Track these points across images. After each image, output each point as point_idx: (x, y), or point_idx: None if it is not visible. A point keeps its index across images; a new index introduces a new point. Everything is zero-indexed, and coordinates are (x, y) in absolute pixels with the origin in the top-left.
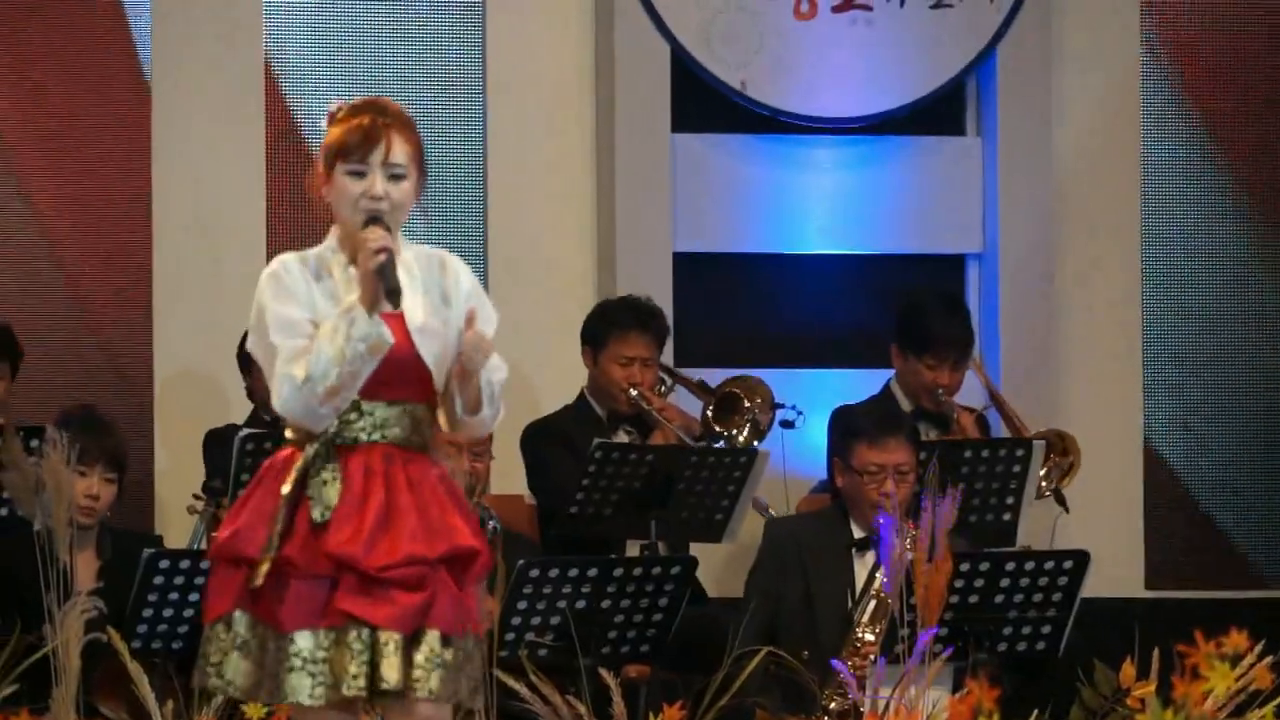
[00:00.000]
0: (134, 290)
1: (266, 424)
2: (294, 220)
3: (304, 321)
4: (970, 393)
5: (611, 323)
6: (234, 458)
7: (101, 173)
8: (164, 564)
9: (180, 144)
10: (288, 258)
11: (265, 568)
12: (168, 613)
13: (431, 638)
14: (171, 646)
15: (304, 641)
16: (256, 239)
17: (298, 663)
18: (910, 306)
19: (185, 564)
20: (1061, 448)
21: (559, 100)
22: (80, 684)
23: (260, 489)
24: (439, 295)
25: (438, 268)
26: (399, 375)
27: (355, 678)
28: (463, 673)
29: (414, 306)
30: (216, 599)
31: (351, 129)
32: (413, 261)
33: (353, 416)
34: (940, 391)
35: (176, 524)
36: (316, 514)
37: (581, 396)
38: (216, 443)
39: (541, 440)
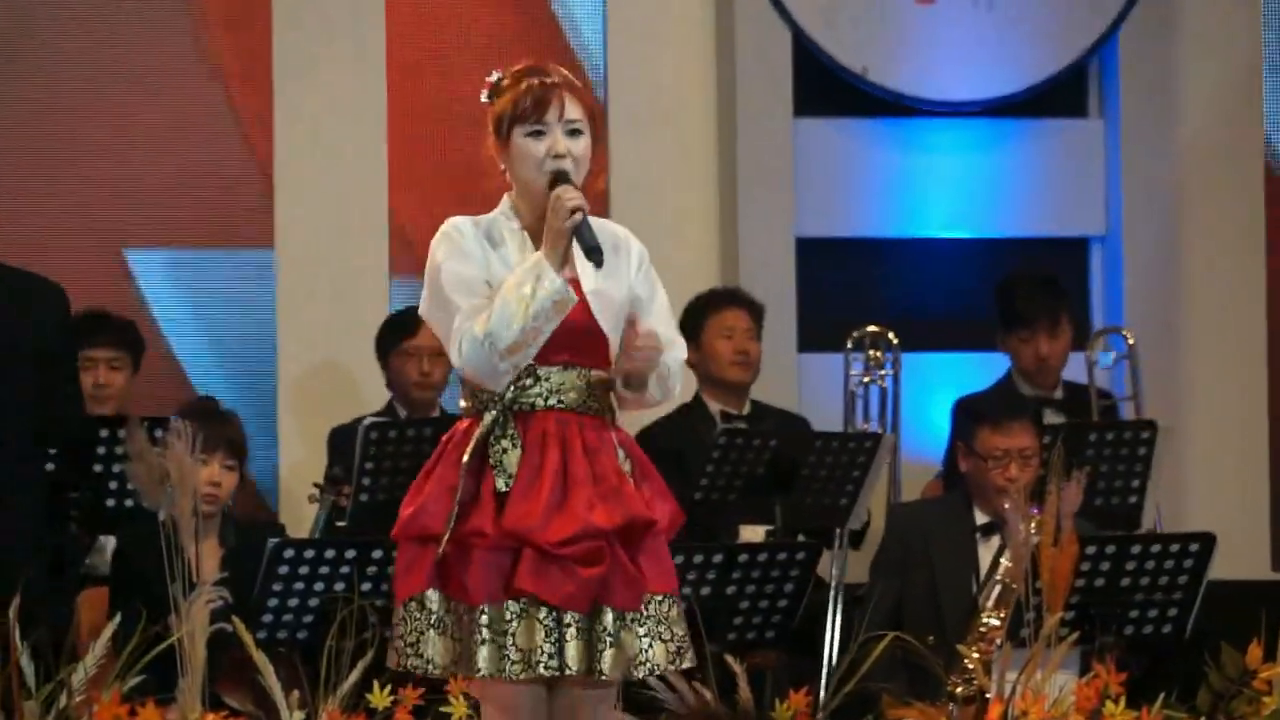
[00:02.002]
0: (258, 281)
1: (398, 416)
2: (418, 209)
3: (479, 280)
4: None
5: (704, 307)
6: (358, 446)
7: (224, 162)
8: (288, 553)
9: (304, 136)
10: (459, 220)
11: (446, 537)
12: (292, 602)
13: (607, 616)
14: (296, 636)
15: (491, 613)
16: (380, 227)
17: (487, 634)
18: (999, 289)
19: (309, 553)
20: None
21: (681, 86)
22: (206, 674)
23: (441, 463)
24: (612, 264)
25: (609, 236)
26: (574, 341)
27: (551, 658)
28: (655, 639)
29: (589, 272)
30: (407, 578)
31: (523, 92)
32: (619, 240)
33: (529, 382)
34: (1046, 360)
35: (302, 517)
36: (500, 483)
37: (697, 395)
38: (342, 439)
39: (646, 452)
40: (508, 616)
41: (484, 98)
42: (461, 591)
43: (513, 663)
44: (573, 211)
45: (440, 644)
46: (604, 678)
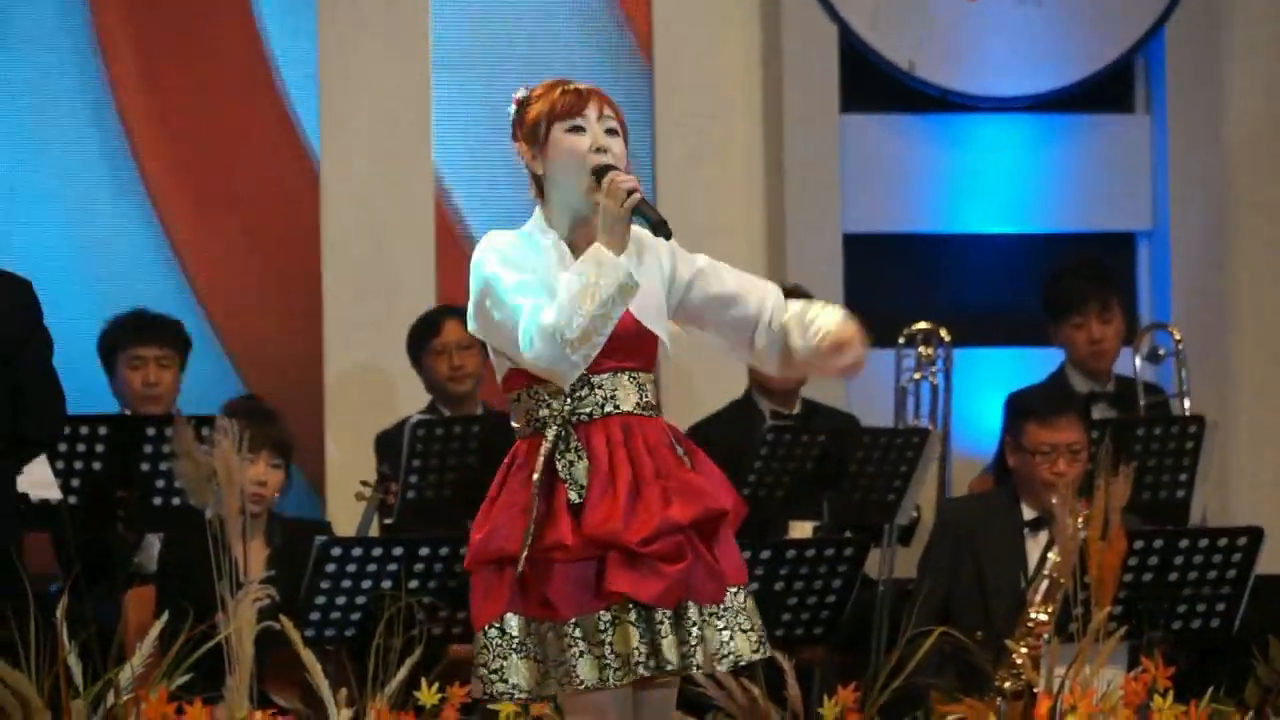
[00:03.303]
0: (304, 283)
1: (442, 415)
2: (463, 213)
3: (536, 282)
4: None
5: None
6: (405, 444)
7: (268, 164)
8: (336, 551)
9: (348, 137)
10: (499, 233)
11: (523, 555)
12: (340, 600)
13: (692, 611)
14: (344, 633)
15: (584, 625)
16: (425, 230)
17: (584, 646)
18: (1048, 281)
19: (356, 551)
20: None
21: (727, 83)
22: (253, 672)
23: (506, 487)
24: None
25: (634, 242)
26: (622, 344)
27: (649, 657)
28: (735, 631)
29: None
30: (485, 605)
31: (559, 95)
32: (643, 241)
33: (584, 392)
34: (1100, 344)
35: (348, 518)
36: (573, 495)
37: (748, 393)
38: (388, 442)
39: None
40: (601, 626)
41: (512, 112)
42: (547, 609)
43: (614, 670)
44: (629, 193)
45: (524, 668)
46: (698, 670)
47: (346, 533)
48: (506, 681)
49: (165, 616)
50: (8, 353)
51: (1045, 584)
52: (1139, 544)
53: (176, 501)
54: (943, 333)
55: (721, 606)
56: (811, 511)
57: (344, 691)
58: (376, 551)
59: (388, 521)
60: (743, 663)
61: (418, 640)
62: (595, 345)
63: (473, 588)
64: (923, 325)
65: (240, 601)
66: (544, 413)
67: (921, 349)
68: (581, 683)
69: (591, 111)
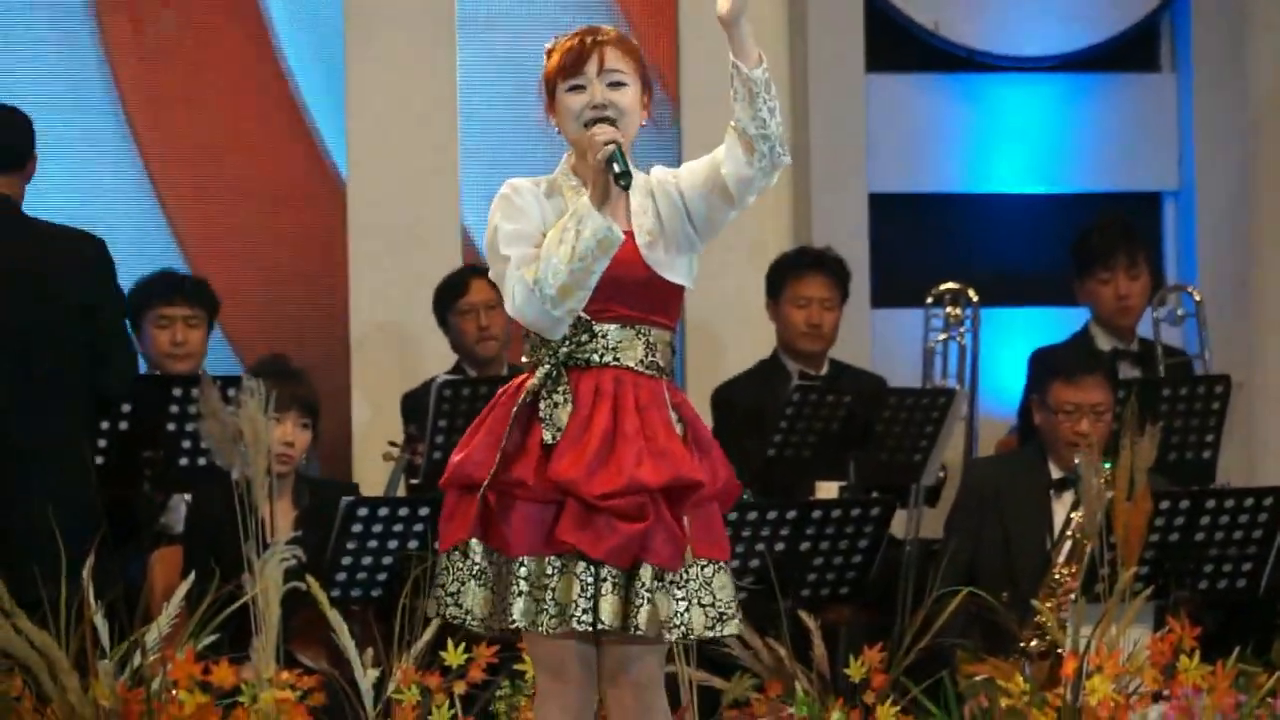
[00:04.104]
0: (329, 244)
1: (467, 375)
2: (489, 174)
3: (535, 233)
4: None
5: (788, 267)
6: (431, 404)
7: (294, 127)
8: (362, 511)
9: (373, 97)
10: (517, 180)
11: (486, 483)
12: (366, 560)
13: (645, 572)
14: (370, 594)
15: (531, 566)
16: (450, 192)
17: (525, 587)
18: (1076, 238)
19: (383, 511)
20: None
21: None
22: (280, 633)
23: (493, 415)
24: (654, 204)
25: (641, 183)
26: (633, 297)
27: (585, 612)
28: (693, 604)
29: (644, 226)
30: (451, 527)
31: (565, 51)
32: (652, 184)
33: (585, 338)
34: (1126, 299)
35: (374, 478)
36: (548, 435)
37: (775, 354)
38: (414, 402)
39: (722, 408)
40: (549, 571)
41: (544, 65)
42: (502, 542)
43: (550, 616)
44: (606, 144)
45: (480, 595)
46: (639, 633)
47: (373, 493)
48: (460, 606)
49: (192, 577)
50: (86, 310)
51: (1070, 544)
52: (1165, 504)
53: (203, 462)
54: (970, 293)
55: (685, 576)
56: (838, 472)
57: (370, 652)
58: (403, 512)
59: (414, 482)
60: (692, 637)
61: None
62: (579, 299)
63: (443, 508)
64: (950, 285)
65: (267, 562)
66: (542, 351)
67: (949, 309)
68: (512, 621)
69: (591, 68)
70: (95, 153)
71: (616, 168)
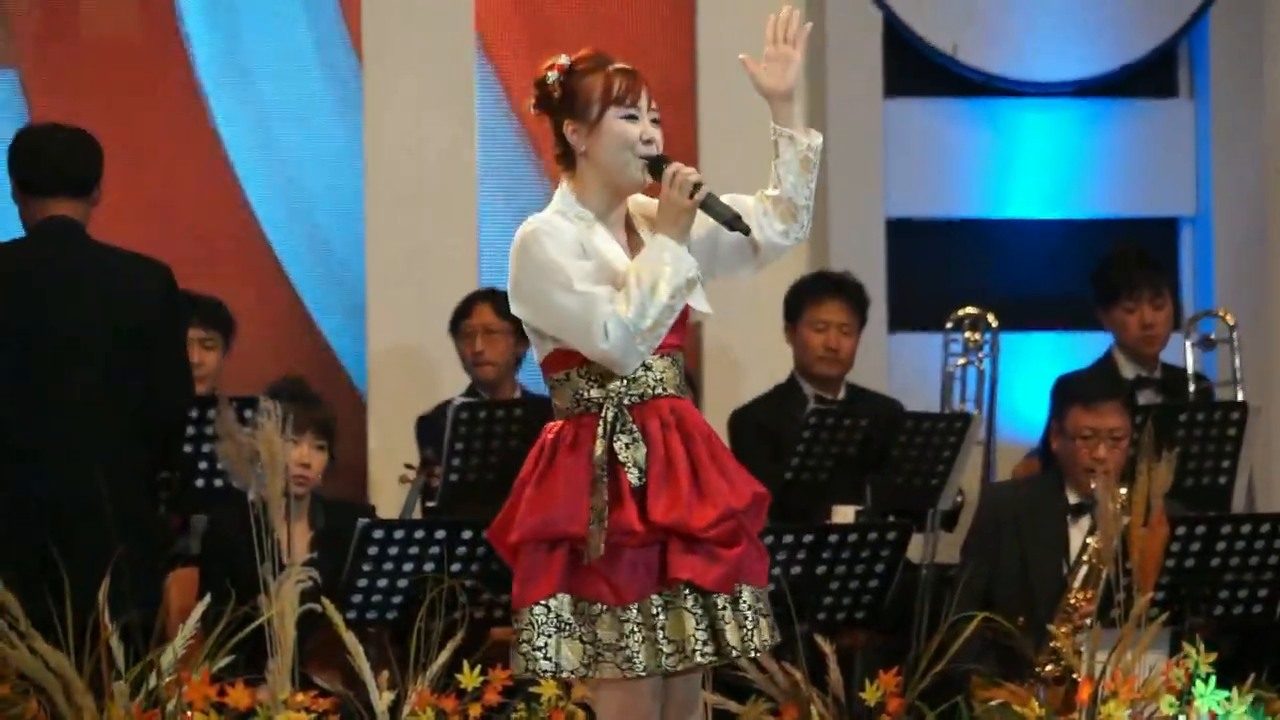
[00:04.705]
0: (346, 268)
1: (482, 399)
2: (505, 197)
3: (599, 268)
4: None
5: (806, 291)
6: (448, 426)
7: (313, 151)
8: (378, 534)
9: (392, 121)
10: (548, 216)
11: (600, 538)
12: (382, 582)
13: (746, 594)
14: (386, 616)
15: (643, 611)
16: (468, 215)
17: (643, 633)
18: (1098, 266)
19: (399, 533)
20: None
21: None
22: (295, 654)
23: (555, 466)
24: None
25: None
26: (674, 326)
27: (705, 644)
28: (760, 615)
29: None
30: (534, 583)
31: (614, 74)
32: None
33: (639, 373)
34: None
35: (390, 500)
36: (633, 478)
37: (791, 378)
38: (428, 426)
39: (740, 431)
40: (653, 610)
41: (552, 79)
42: (610, 592)
43: (667, 655)
44: (696, 185)
45: (568, 648)
46: (756, 655)
47: (389, 515)
48: (551, 660)
49: (208, 598)
50: (148, 338)
51: (1086, 569)
52: (1181, 529)
53: (219, 483)
54: (990, 317)
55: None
56: (854, 496)
57: (385, 674)
58: (419, 534)
59: (430, 504)
60: (768, 646)
61: (460, 623)
62: (659, 337)
63: (519, 565)
64: (970, 310)
65: (283, 583)
66: (595, 393)
67: (968, 334)
68: (643, 668)
69: (643, 101)
70: None
71: (722, 214)
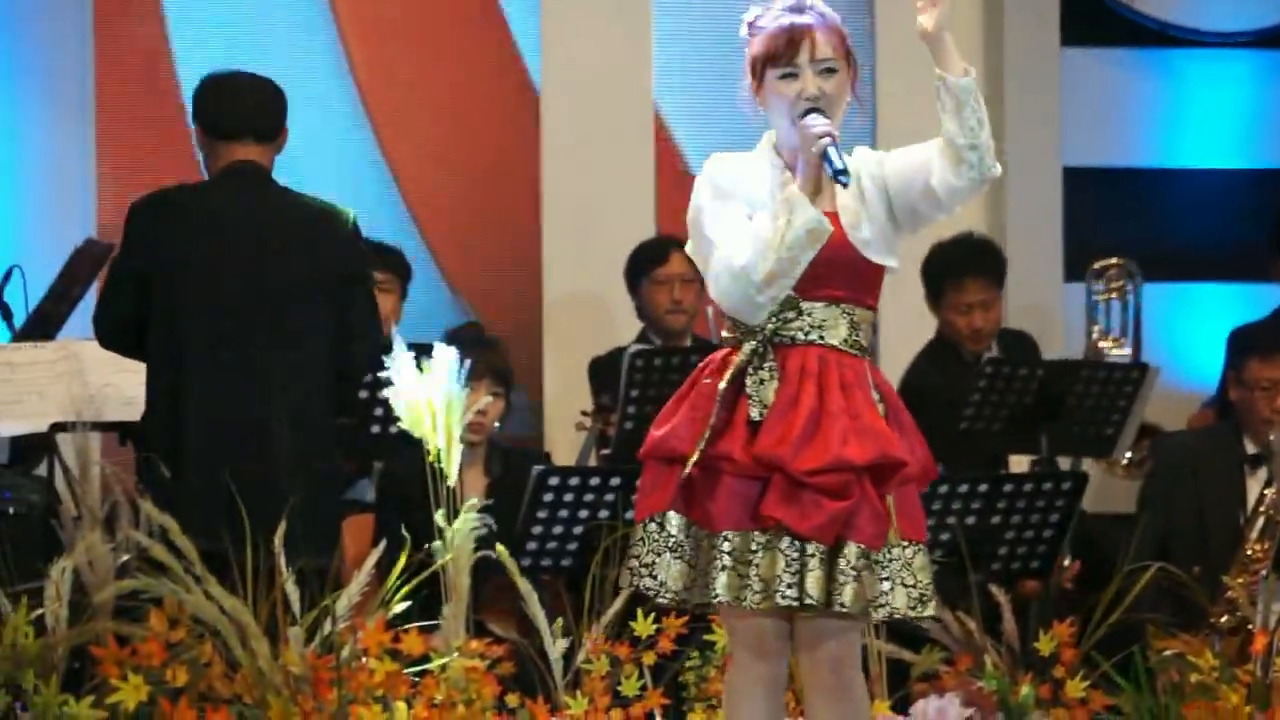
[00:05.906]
0: (523, 214)
1: (655, 344)
2: (680, 139)
3: (741, 216)
4: None
5: (944, 269)
6: (624, 375)
7: (489, 83)
8: (553, 480)
9: (567, 55)
10: (722, 157)
11: (694, 458)
12: (557, 530)
13: (850, 551)
14: (560, 564)
15: (735, 541)
16: (645, 158)
17: (729, 561)
18: (1275, 214)
19: (574, 480)
20: None
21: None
22: (470, 602)
23: (696, 390)
24: (861, 191)
25: (853, 166)
26: (840, 276)
27: (790, 588)
28: (897, 584)
29: (849, 206)
30: (649, 497)
31: (774, 35)
32: (856, 165)
33: (791, 315)
34: None
35: (566, 446)
36: (755, 412)
37: (939, 336)
38: (602, 369)
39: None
40: (753, 547)
41: (743, 33)
42: (705, 517)
43: (754, 592)
44: (819, 137)
45: (675, 568)
46: (844, 609)
47: (565, 461)
48: (655, 578)
49: (383, 545)
50: (334, 286)
51: (1263, 520)
52: None
53: (394, 431)
54: (1132, 268)
55: (888, 556)
56: (1029, 446)
57: (560, 622)
58: (594, 481)
59: (605, 452)
60: (897, 616)
61: None
62: (783, 287)
63: (641, 478)
64: (1113, 260)
65: (458, 530)
66: (748, 326)
67: (1112, 283)
68: (716, 596)
69: (803, 56)
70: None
71: (836, 165)
